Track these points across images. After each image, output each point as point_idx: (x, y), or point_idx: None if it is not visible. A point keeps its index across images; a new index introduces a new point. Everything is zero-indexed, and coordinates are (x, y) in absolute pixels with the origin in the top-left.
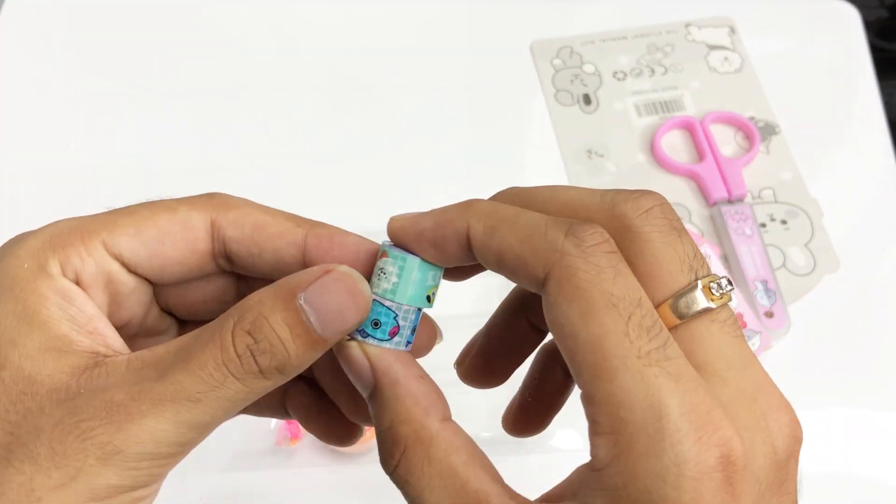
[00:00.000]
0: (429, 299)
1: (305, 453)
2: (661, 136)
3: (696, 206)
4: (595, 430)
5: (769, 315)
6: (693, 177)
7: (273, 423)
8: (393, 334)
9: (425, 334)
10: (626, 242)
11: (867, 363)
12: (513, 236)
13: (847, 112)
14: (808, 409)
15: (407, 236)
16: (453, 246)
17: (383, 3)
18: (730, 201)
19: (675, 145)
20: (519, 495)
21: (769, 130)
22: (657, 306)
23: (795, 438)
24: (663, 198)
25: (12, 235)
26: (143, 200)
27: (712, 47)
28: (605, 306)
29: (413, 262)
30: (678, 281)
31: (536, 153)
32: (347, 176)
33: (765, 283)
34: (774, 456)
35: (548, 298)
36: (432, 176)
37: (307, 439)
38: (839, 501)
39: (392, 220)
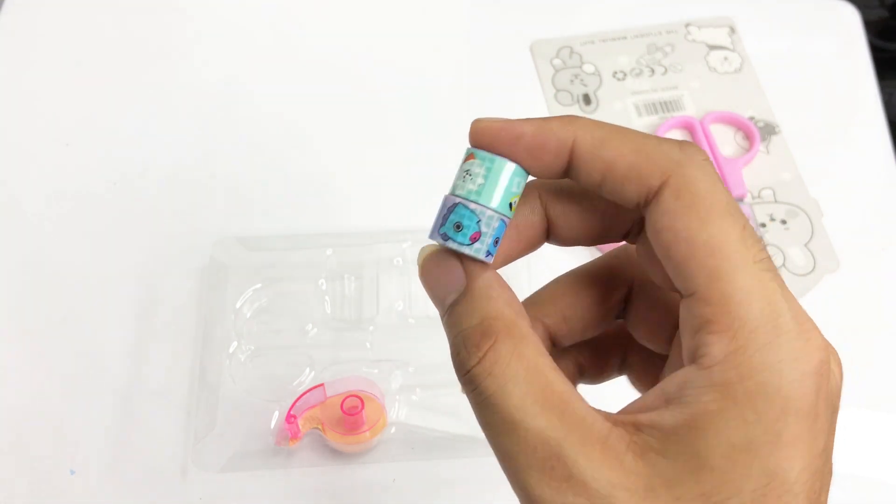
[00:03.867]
0: (510, 207)
1: (305, 453)
2: (661, 135)
3: None
4: (709, 329)
5: None
6: None
7: (273, 422)
8: (474, 239)
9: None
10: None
11: (867, 363)
12: (626, 146)
13: (847, 112)
14: None
15: (501, 139)
16: (551, 155)
17: (383, 3)
18: None
19: None
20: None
21: (769, 130)
22: None
23: (842, 377)
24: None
25: (11, 235)
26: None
27: (712, 47)
28: (723, 213)
29: (501, 164)
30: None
31: None
32: (346, 177)
33: None
34: (836, 381)
35: (660, 206)
36: (432, 176)
37: (307, 439)
38: (838, 501)
39: (479, 121)
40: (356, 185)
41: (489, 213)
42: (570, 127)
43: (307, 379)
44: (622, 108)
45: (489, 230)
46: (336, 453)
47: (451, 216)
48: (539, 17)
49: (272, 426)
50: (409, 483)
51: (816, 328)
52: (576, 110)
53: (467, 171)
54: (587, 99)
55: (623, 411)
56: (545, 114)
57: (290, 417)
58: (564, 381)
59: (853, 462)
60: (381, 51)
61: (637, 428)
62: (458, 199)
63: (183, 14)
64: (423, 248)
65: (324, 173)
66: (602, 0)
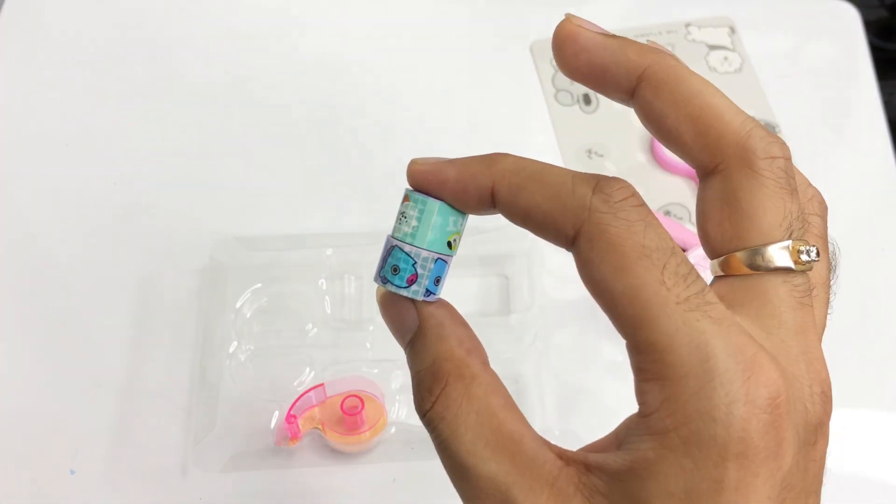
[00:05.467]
0: (450, 245)
1: (305, 453)
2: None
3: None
4: (642, 378)
5: None
6: (693, 177)
7: (273, 422)
8: (411, 282)
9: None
10: (741, 176)
11: (867, 363)
12: (540, 194)
13: (847, 112)
14: None
15: (428, 184)
16: (475, 200)
17: (383, 3)
18: None
19: None
20: (552, 444)
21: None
22: (739, 250)
23: (826, 410)
24: (791, 154)
25: (10, 234)
26: None
27: (712, 47)
28: (638, 258)
29: (433, 205)
30: (771, 234)
31: (536, 153)
32: (346, 177)
33: None
34: (807, 415)
35: (580, 255)
36: None
37: (307, 439)
38: (839, 501)
39: (413, 162)
40: (356, 185)
41: (424, 254)
42: (488, 171)
43: (307, 379)
44: (622, 107)
45: (425, 271)
46: (336, 453)
47: (389, 259)
48: (539, 17)
49: (272, 426)
50: (409, 483)
51: (766, 361)
52: (576, 110)
53: (403, 213)
54: (587, 99)
55: (581, 449)
56: (545, 114)
57: (290, 417)
58: (516, 418)
59: (853, 462)
60: (380, 51)
61: (587, 469)
62: (395, 242)
63: (183, 13)
64: (378, 289)
65: (324, 173)
66: (602, 0)
